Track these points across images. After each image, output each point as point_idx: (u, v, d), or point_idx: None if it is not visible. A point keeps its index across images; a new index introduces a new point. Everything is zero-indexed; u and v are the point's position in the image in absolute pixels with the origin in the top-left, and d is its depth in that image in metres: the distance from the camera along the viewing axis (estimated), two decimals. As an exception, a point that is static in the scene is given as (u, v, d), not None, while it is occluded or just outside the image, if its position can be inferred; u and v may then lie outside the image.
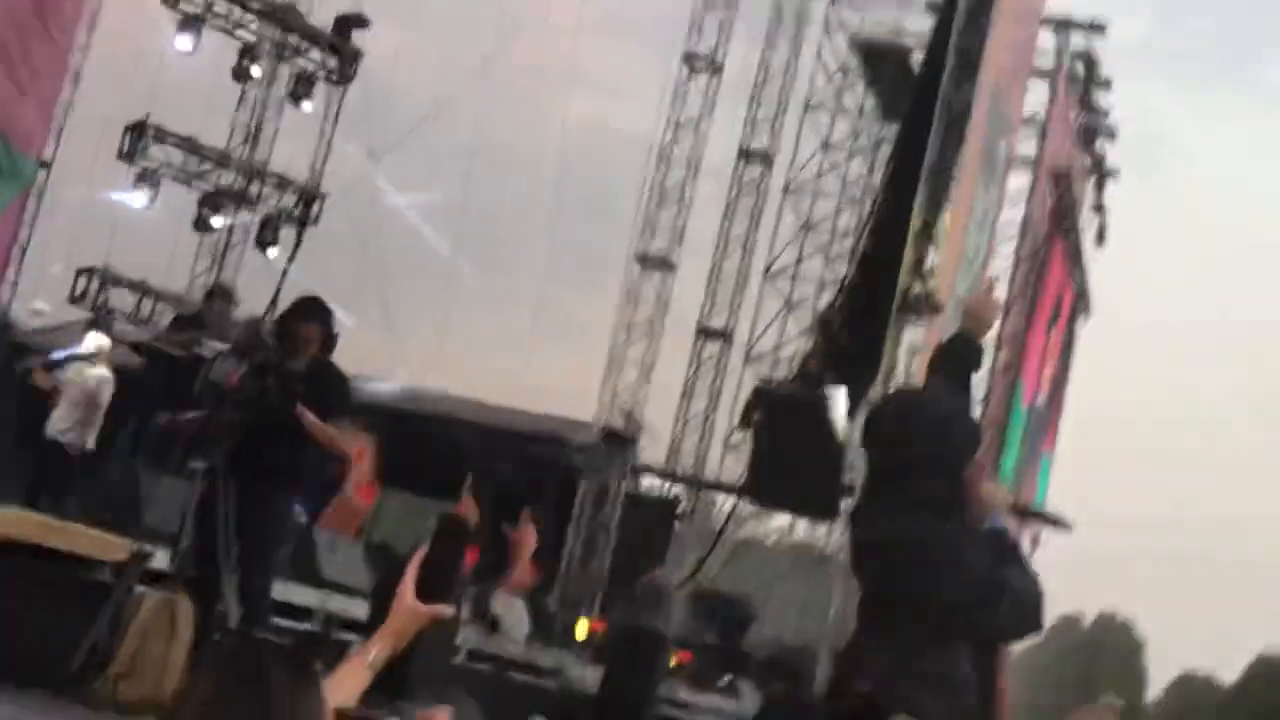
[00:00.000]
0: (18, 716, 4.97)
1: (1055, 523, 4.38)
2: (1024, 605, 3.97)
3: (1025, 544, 4.84)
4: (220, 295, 11.43)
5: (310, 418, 6.12)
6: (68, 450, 9.05)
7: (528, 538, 15.03)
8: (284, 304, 7.18)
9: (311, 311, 6.48)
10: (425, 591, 2.70)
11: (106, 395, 9.53)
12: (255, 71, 18.24)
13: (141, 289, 17.46)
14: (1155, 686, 54.84)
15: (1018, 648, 4.04)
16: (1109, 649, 53.06)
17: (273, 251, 17.76)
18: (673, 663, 12.72)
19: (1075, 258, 25.86)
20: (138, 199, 17.09)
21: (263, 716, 2.08)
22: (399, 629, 2.73)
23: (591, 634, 13.70)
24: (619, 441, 18.72)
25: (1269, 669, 49.50)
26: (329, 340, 6.46)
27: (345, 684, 2.77)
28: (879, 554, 3.94)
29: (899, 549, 3.86)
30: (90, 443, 9.29)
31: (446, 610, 2.74)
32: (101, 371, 9.52)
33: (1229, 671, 51.76)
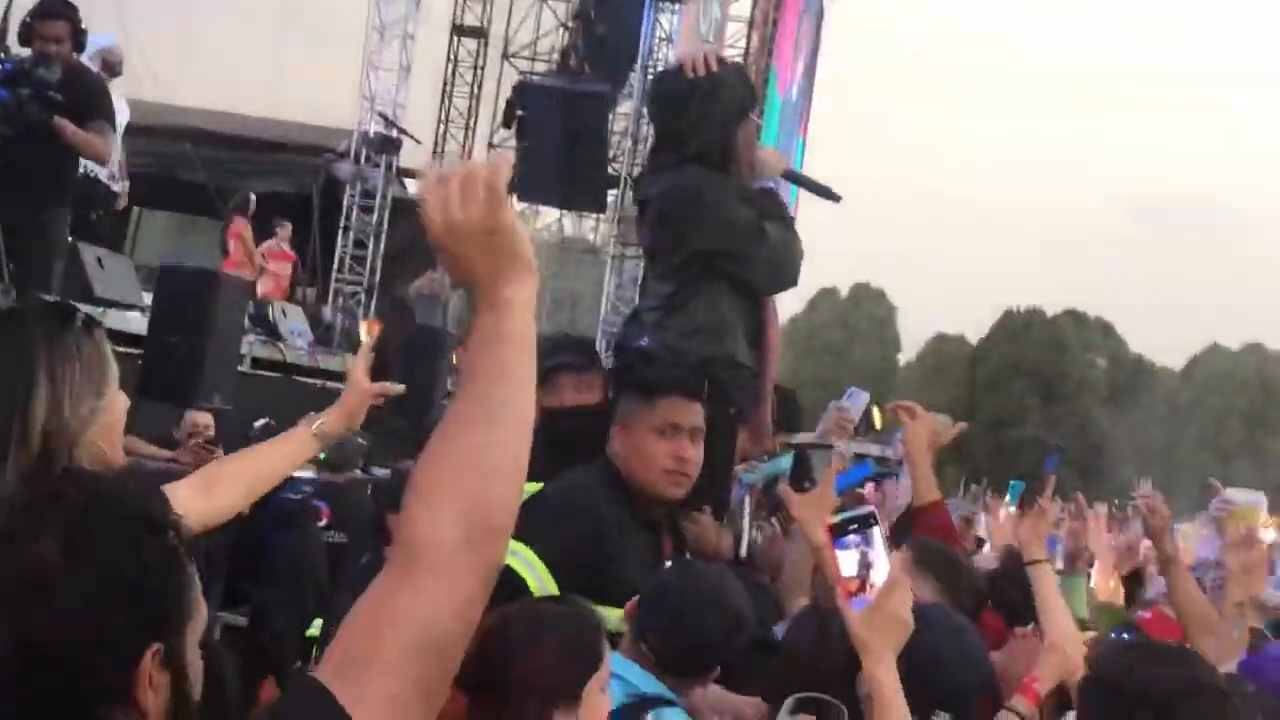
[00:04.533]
0: None
1: (826, 194, 4.59)
2: (782, 258, 4.24)
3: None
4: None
5: (70, 127, 5.99)
6: None
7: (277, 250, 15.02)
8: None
9: (56, 8, 6.22)
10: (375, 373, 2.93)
11: None
12: None
13: None
14: (910, 351, 58.01)
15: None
16: (864, 317, 55.64)
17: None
18: (455, 359, 12.95)
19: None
20: None
21: (25, 375, 2.11)
22: (351, 407, 2.93)
23: (372, 335, 13.82)
24: (381, 146, 18.47)
25: (1011, 322, 52.71)
26: (78, 37, 6.23)
27: (292, 446, 2.91)
28: (655, 207, 4.15)
29: (671, 199, 4.08)
30: None
31: (395, 388, 2.98)
32: None
33: (978, 331, 55.01)
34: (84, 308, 2.42)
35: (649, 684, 2.90)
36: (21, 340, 2.09)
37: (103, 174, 9.97)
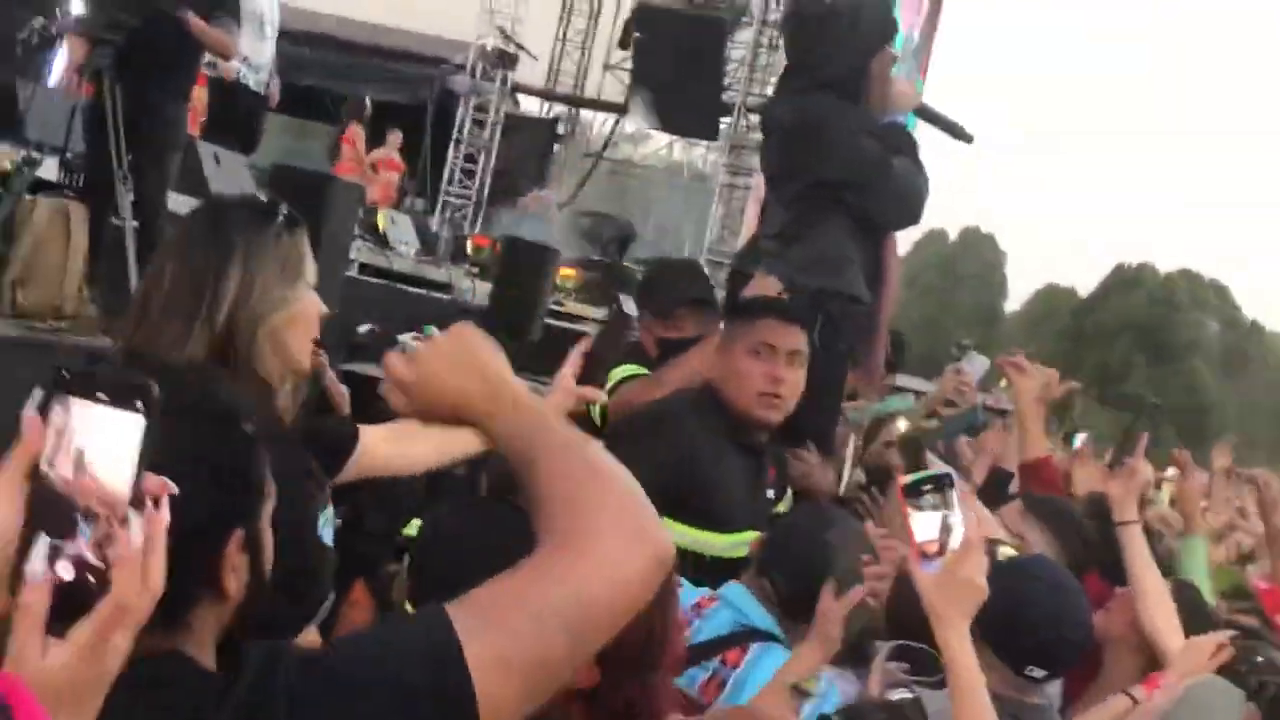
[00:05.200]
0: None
1: (958, 133, 4.48)
2: (906, 193, 4.13)
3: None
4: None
5: (197, 21, 6.02)
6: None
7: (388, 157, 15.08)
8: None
9: None
10: (583, 377, 2.83)
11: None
12: None
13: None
14: (1016, 299, 57.17)
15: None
16: (972, 260, 54.82)
17: None
18: (560, 278, 12.95)
19: None
20: None
21: (222, 254, 2.17)
22: (554, 406, 2.78)
23: (478, 249, 13.85)
24: (497, 61, 18.44)
25: (1123, 276, 51.73)
26: None
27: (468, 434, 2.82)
28: (781, 132, 4.06)
29: (798, 126, 3.99)
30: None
31: (599, 395, 2.87)
32: None
33: (1088, 284, 54.06)
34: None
35: (761, 618, 2.87)
36: (223, 226, 2.20)
37: (250, 78, 10.07)
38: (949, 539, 2.20)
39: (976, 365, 4.76)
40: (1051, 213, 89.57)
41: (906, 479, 2.23)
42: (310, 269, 2.29)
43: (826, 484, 3.97)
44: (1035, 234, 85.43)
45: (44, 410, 1.21)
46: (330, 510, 2.27)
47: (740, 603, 2.87)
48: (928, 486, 2.20)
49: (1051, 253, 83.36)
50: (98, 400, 1.21)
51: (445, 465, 2.73)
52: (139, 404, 1.22)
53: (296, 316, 2.24)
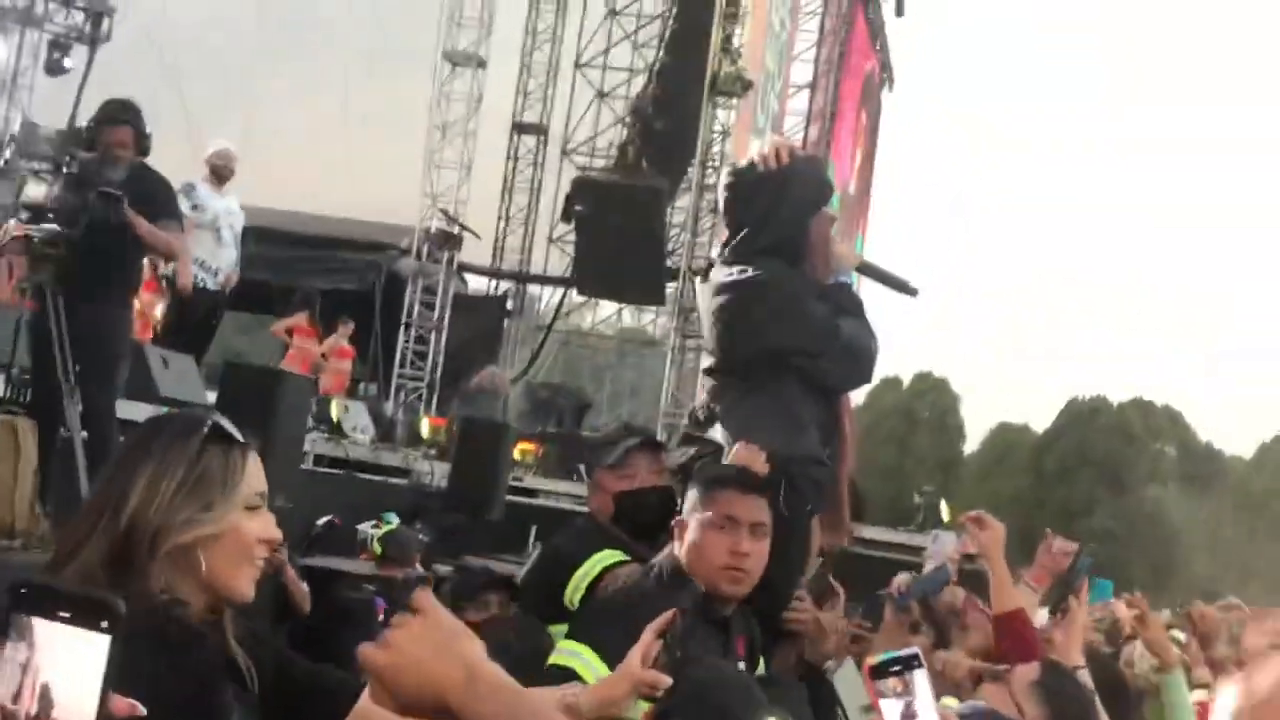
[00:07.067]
0: None
1: (902, 287, 4.50)
2: (855, 355, 4.14)
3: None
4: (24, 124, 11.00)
5: (143, 222, 6.04)
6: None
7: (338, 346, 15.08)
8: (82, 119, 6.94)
9: (121, 114, 6.33)
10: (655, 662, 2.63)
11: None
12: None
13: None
14: (973, 440, 57.42)
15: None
16: (926, 406, 55.15)
17: (66, 69, 17.07)
18: (518, 453, 12.92)
19: (878, 31, 26.16)
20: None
21: (134, 466, 2.18)
22: (616, 692, 2.62)
23: (435, 430, 13.81)
24: (442, 242, 18.61)
25: (1076, 411, 52.14)
26: (142, 142, 6.35)
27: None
28: (723, 302, 4.07)
29: (741, 295, 4.01)
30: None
31: (666, 680, 2.62)
32: None
33: (1042, 421, 54.44)
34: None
35: None
36: (147, 439, 2.21)
37: (208, 281, 10.06)
38: None
39: (944, 544, 4.74)
40: (1001, 351, 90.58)
41: (874, 659, 2.12)
42: (245, 489, 2.19)
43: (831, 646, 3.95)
44: (987, 374, 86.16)
45: (2, 630, 1.17)
46: None
47: None
48: (895, 667, 2.10)
49: (1004, 390, 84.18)
50: (58, 619, 1.17)
51: None
52: (103, 623, 1.18)
53: (214, 538, 2.15)
